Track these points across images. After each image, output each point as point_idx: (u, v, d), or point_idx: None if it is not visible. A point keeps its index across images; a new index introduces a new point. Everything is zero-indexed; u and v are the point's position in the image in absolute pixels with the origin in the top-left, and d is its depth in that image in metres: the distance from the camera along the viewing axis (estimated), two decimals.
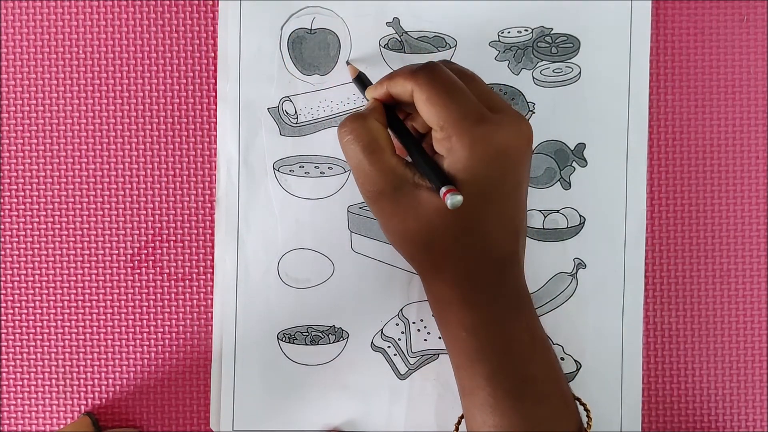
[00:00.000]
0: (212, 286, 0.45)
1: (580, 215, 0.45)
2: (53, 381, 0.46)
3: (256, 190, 0.45)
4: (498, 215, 0.37)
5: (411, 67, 0.37)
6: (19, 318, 0.46)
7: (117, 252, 0.46)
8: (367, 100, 0.40)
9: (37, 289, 0.46)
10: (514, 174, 0.37)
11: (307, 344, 0.45)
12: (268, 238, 0.45)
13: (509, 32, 0.45)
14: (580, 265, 0.45)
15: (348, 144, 0.37)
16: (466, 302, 0.38)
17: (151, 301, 0.46)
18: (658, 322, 0.46)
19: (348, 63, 0.44)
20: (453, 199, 0.34)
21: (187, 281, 0.46)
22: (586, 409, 0.40)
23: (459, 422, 0.41)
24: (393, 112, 0.39)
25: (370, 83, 0.41)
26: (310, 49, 0.45)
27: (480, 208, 0.36)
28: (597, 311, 0.45)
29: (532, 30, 0.45)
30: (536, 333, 0.39)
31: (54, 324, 0.46)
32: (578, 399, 0.40)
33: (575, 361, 0.45)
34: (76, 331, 0.46)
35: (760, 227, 0.46)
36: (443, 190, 0.34)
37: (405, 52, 0.45)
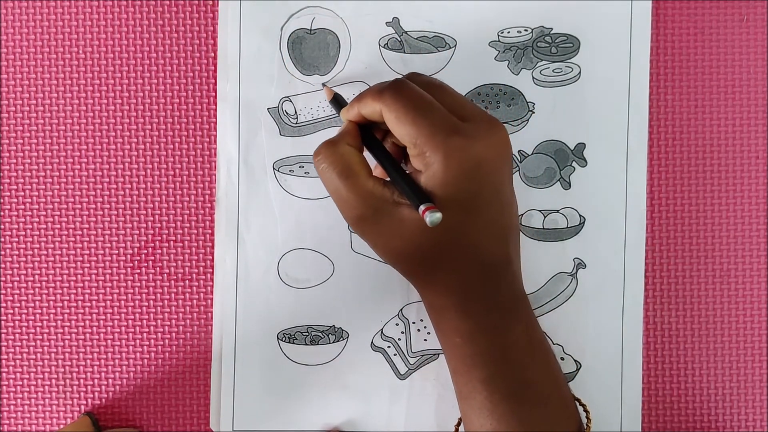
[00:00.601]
0: (212, 286, 0.45)
1: (580, 215, 0.45)
2: (53, 381, 0.46)
3: (256, 190, 0.45)
4: (483, 223, 0.36)
5: (378, 86, 0.37)
6: (19, 318, 0.46)
7: (117, 252, 0.46)
8: (342, 122, 0.40)
9: (37, 289, 0.46)
10: (493, 181, 0.36)
11: (307, 344, 0.45)
12: (268, 238, 0.45)
13: (509, 32, 0.45)
14: (580, 265, 0.45)
15: (324, 172, 0.37)
16: (461, 310, 0.37)
17: (151, 301, 0.46)
18: (658, 322, 0.46)
19: (324, 85, 0.44)
20: (432, 217, 0.34)
21: (187, 281, 0.46)
22: (585, 410, 0.40)
23: (458, 424, 0.41)
24: (369, 132, 0.39)
25: (346, 104, 0.41)
26: (310, 50, 0.45)
27: (463, 219, 0.36)
28: (597, 311, 0.45)
29: (532, 30, 0.45)
30: (534, 335, 0.39)
31: (54, 324, 0.46)
32: (578, 399, 0.40)
33: (575, 361, 0.45)
34: (76, 331, 0.46)
35: (760, 227, 0.46)
36: (422, 208, 0.34)
37: (405, 52, 0.45)
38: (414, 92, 0.36)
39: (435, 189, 0.35)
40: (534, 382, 0.38)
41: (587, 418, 0.40)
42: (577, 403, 0.40)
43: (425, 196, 0.35)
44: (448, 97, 0.37)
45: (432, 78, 0.38)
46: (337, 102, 0.43)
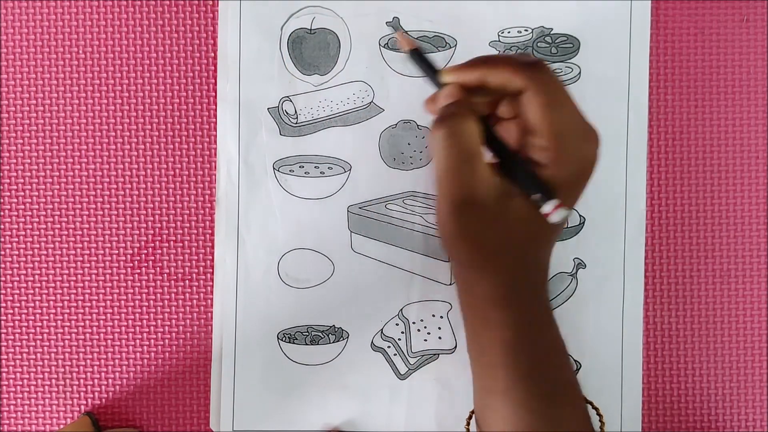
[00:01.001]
0: (212, 286, 0.45)
1: (580, 215, 0.45)
2: (53, 381, 0.46)
3: (256, 190, 0.45)
4: (559, 228, 0.37)
5: (517, 59, 0.35)
6: (19, 318, 0.46)
7: (117, 252, 0.46)
8: (437, 85, 0.37)
9: (37, 289, 0.46)
10: (585, 188, 0.36)
11: (307, 344, 0.45)
12: (268, 238, 0.45)
13: (509, 32, 0.45)
14: (580, 265, 0.45)
15: (444, 146, 0.34)
16: (516, 302, 0.37)
17: (151, 301, 0.46)
18: (658, 322, 0.46)
19: (396, 29, 0.39)
20: (561, 215, 0.33)
21: (187, 281, 0.46)
22: (599, 414, 0.40)
23: (470, 419, 0.41)
24: (483, 118, 0.36)
25: (433, 63, 0.38)
26: (310, 49, 0.45)
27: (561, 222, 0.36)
28: (597, 311, 0.45)
29: (532, 30, 0.45)
30: (561, 337, 0.39)
31: (54, 324, 0.46)
32: (590, 402, 0.39)
33: (575, 361, 0.45)
34: (76, 331, 0.46)
35: (760, 227, 0.46)
36: (552, 204, 0.34)
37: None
38: (558, 80, 0.35)
39: (558, 186, 0.35)
40: (568, 383, 0.38)
41: (601, 422, 0.40)
42: (590, 406, 0.40)
43: (552, 193, 0.34)
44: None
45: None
46: (419, 56, 0.38)
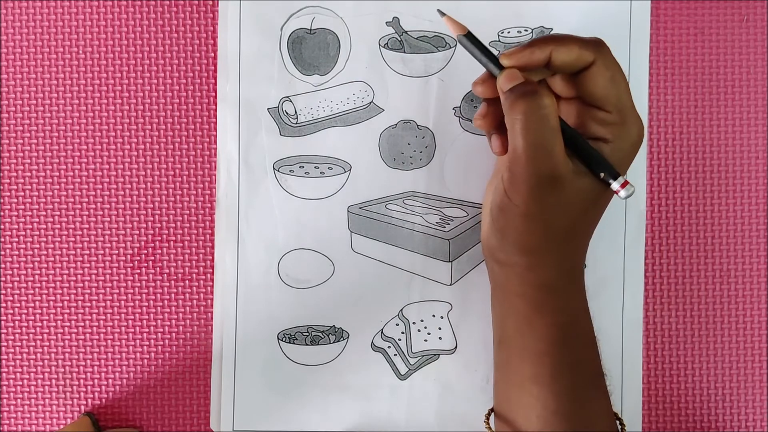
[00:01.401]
0: (212, 286, 0.45)
1: None
2: (53, 381, 0.46)
3: (256, 191, 0.45)
4: (604, 212, 0.39)
5: (584, 38, 0.36)
6: (19, 318, 0.46)
7: (117, 252, 0.46)
8: (496, 67, 0.37)
9: (37, 289, 0.46)
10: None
11: (307, 344, 0.45)
12: (269, 239, 0.45)
13: (509, 32, 0.45)
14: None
15: (532, 121, 0.35)
16: (571, 288, 0.38)
17: (151, 301, 0.46)
18: (658, 322, 0.46)
19: (442, 14, 0.38)
20: (629, 191, 0.35)
21: (187, 281, 0.46)
22: (622, 424, 0.40)
23: (488, 416, 0.41)
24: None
25: (485, 46, 0.37)
26: (310, 49, 0.45)
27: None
28: (597, 311, 0.45)
29: (532, 30, 0.45)
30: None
31: (54, 324, 0.46)
32: (615, 413, 0.40)
33: None
34: (76, 331, 0.46)
35: (760, 227, 0.46)
36: (620, 181, 0.35)
37: (405, 52, 0.45)
38: (615, 58, 0.36)
39: (618, 161, 0.36)
40: (601, 373, 0.39)
41: (621, 425, 0.40)
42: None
43: (617, 170, 0.36)
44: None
45: None
46: (471, 41, 0.37)
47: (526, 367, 0.38)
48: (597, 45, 0.36)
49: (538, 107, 0.35)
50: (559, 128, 0.35)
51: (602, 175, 0.36)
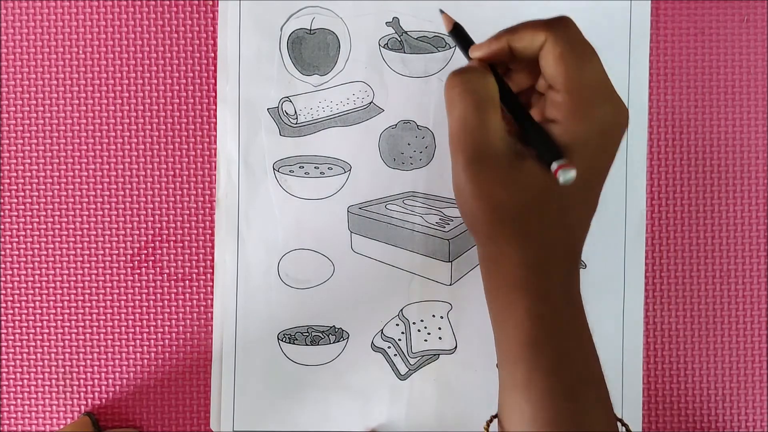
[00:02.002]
0: (212, 286, 0.45)
1: None
2: (53, 381, 0.46)
3: (256, 191, 0.45)
4: (584, 200, 0.35)
5: (540, 20, 0.34)
6: (19, 318, 0.46)
7: (117, 252, 0.46)
8: (468, 59, 0.36)
9: (37, 289, 0.46)
10: (609, 161, 0.34)
11: (307, 344, 0.45)
12: (269, 239, 0.45)
13: None
14: (580, 265, 0.45)
15: (457, 96, 0.33)
16: (538, 288, 0.34)
17: (151, 301, 0.46)
18: (658, 322, 0.46)
19: (441, 12, 0.38)
20: (566, 176, 0.31)
21: (187, 281, 0.46)
22: (623, 424, 0.39)
23: (489, 422, 0.38)
24: (498, 75, 0.35)
25: (471, 39, 0.37)
26: (310, 50, 0.45)
27: (578, 188, 0.33)
28: (597, 311, 0.45)
29: None
30: (589, 329, 0.36)
31: (54, 324, 0.46)
32: (620, 420, 0.37)
33: None
34: (76, 331, 0.46)
35: (760, 227, 0.46)
36: (557, 163, 0.31)
37: (405, 52, 0.45)
38: (582, 35, 0.33)
39: (569, 144, 0.33)
40: (591, 378, 0.36)
41: (625, 426, 0.39)
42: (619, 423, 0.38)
43: (559, 152, 0.32)
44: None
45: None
46: (459, 34, 0.37)
47: (505, 372, 0.36)
48: (548, 24, 0.33)
49: (463, 81, 0.34)
50: (497, 106, 0.34)
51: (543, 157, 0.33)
